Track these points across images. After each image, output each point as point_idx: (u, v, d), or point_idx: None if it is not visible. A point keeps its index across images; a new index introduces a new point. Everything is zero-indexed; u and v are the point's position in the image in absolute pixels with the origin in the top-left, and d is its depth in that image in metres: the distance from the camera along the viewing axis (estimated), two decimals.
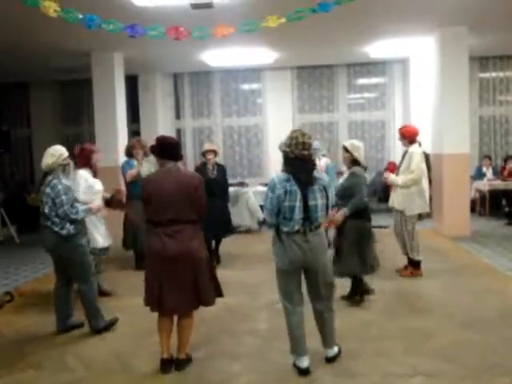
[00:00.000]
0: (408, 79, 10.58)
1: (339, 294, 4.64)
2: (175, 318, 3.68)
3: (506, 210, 9.48)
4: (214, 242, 6.75)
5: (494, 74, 10.80)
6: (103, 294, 5.24)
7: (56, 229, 4.21)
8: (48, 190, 4.21)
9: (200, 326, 4.09)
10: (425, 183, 5.77)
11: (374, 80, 11.16)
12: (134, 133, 10.66)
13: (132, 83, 10.80)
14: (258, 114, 11.44)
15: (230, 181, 7.83)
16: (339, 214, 4.64)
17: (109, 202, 5.18)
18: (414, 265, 5.78)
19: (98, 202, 4.84)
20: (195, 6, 5.78)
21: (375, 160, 11.08)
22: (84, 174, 4.97)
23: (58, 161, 4.26)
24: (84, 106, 11.44)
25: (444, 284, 5.49)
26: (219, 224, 6.44)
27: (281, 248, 3.47)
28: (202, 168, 6.50)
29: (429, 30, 8.04)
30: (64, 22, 4.63)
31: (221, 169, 6.73)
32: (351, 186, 4.69)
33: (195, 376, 3.59)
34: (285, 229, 3.43)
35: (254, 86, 11.42)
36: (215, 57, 9.44)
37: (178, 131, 11.62)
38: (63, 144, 4.53)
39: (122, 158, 6.95)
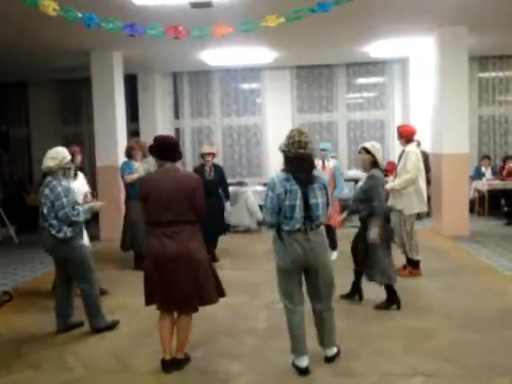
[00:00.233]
0: (407, 79, 10.57)
1: (339, 293, 4.63)
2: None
3: (505, 209, 9.48)
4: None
5: (493, 74, 10.79)
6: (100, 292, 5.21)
7: (53, 232, 4.15)
8: (47, 191, 4.14)
9: (199, 326, 4.07)
10: (422, 183, 5.75)
11: (373, 80, 11.14)
12: (133, 132, 10.64)
13: (131, 82, 10.79)
14: (257, 114, 11.42)
15: (229, 180, 7.87)
16: (375, 224, 4.52)
17: None
18: (412, 264, 5.78)
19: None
20: (194, 5, 5.79)
21: None
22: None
23: (60, 164, 4.19)
24: (83, 106, 11.41)
25: (443, 284, 5.49)
26: (216, 224, 6.60)
27: (282, 247, 3.46)
28: (200, 169, 6.64)
29: (428, 29, 8.03)
30: (63, 21, 4.63)
31: (218, 170, 6.86)
32: (370, 189, 4.57)
33: (195, 376, 3.58)
34: (286, 228, 3.43)
35: (254, 85, 11.40)
36: (214, 56, 9.43)
37: (177, 131, 11.60)
38: (63, 144, 4.48)
39: (122, 159, 6.95)
